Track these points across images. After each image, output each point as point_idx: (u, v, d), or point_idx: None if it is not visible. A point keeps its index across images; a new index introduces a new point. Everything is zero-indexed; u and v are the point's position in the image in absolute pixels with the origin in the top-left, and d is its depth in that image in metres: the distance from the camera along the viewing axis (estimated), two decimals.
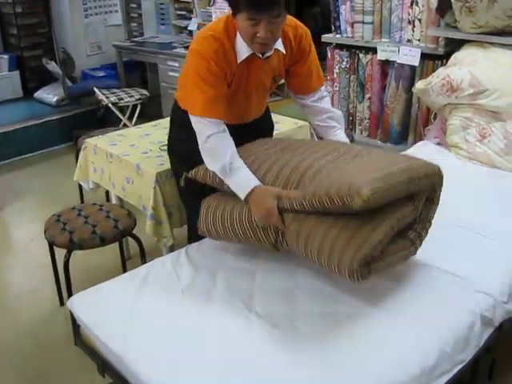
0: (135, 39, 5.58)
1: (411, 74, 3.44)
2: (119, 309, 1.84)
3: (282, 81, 2.32)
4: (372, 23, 3.52)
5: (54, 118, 5.14)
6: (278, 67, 2.18)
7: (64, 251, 2.58)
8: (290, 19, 2.08)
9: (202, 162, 2.09)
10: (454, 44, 3.19)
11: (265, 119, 2.46)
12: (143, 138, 3.02)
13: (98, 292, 1.96)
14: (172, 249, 2.61)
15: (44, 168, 4.74)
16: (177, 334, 1.72)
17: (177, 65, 4.72)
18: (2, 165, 4.74)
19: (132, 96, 4.84)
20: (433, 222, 1.94)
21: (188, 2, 5.13)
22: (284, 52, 2.11)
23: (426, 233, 1.92)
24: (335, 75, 3.80)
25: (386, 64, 3.57)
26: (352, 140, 3.33)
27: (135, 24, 5.85)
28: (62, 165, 4.61)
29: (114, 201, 3.05)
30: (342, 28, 3.69)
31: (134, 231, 2.69)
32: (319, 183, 1.77)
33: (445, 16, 3.18)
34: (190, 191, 2.32)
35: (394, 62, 3.48)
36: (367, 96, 3.71)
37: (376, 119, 3.73)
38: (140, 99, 4.86)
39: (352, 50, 3.69)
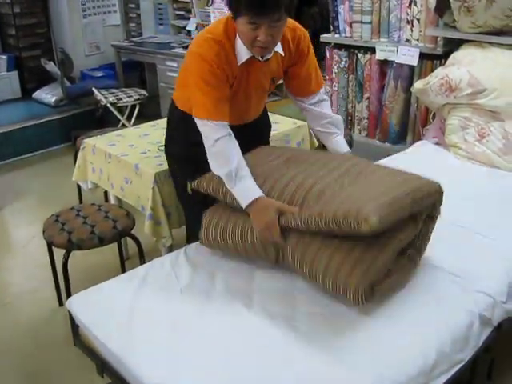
0: (134, 39, 5.58)
1: (410, 74, 3.44)
2: (118, 309, 1.84)
3: (281, 81, 2.32)
4: (370, 23, 3.52)
5: (53, 118, 5.14)
6: (277, 69, 2.17)
7: (63, 251, 2.58)
8: (289, 21, 2.07)
9: (198, 162, 2.08)
10: (453, 44, 3.19)
11: (263, 119, 2.46)
12: (142, 139, 3.02)
13: (96, 292, 1.96)
14: (171, 249, 2.61)
15: (43, 168, 4.74)
16: (175, 334, 1.72)
17: (175, 65, 4.71)
18: (1, 165, 4.74)
19: (130, 96, 4.84)
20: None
21: (186, 2, 5.13)
22: (283, 54, 2.10)
23: (425, 248, 1.95)
24: (334, 75, 3.80)
25: (384, 64, 3.57)
26: (351, 140, 3.33)
27: (134, 24, 5.84)
28: (61, 165, 4.60)
29: (112, 201, 3.05)
30: (341, 28, 3.69)
31: (133, 231, 2.69)
32: (325, 205, 1.77)
33: (443, 16, 3.18)
34: (193, 199, 2.30)
35: (392, 61, 3.48)
36: (366, 96, 3.71)
37: (375, 119, 3.74)
38: (138, 99, 4.85)
39: (350, 49, 3.69)
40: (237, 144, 2.00)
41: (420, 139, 3.31)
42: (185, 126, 2.20)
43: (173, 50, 4.85)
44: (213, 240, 2.05)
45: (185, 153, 2.31)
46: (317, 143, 3.19)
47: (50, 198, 4.04)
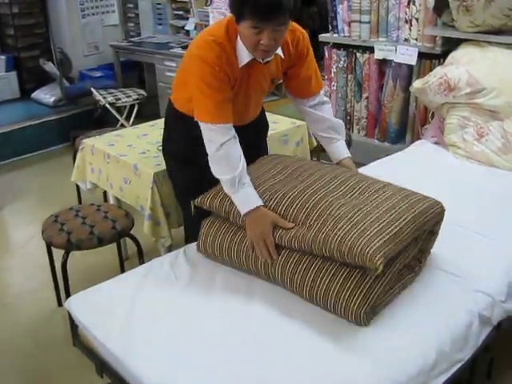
0: (132, 39, 5.58)
1: (408, 73, 3.45)
2: (117, 309, 1.84)
3: (280, 81, 2.32)
4: (369, 22, 3.52)
5: (52, 118, 5.13)
6: (276, 71, 2.16)
7: (62, 252, 2.57)
8: None
9: (195, 162, 2.07)
10: (451, 43, 3.20)
11: (260, 120, 2.45)
12: (141, 139, 3.01)
13: (96, 292, 1.96)
14: (170, 249, 2.61)
15: (42, 168, 4.73)
16: (175, 334, 1.72)
17: (174, 65, 4.71)
18: (0, 165, 4.73)
19: (129, 96, 4.84)
20: None
21: (185, 2, 5.13)
22: (282, 56, 2.08)
23: (425, 260, 1.96)
24: (332, 74, 3.80)
25: (383, 63, 3.57)
26: (349, 140, 3.33)
27: (132, 24, 5.84)
28: (60, 165, 4.60)
29: (111, 201, 3.05)
30: (340, 27, 3.69)
31: (132, 231, 2.69)
32: (323, 226, 1.76)
33: (442, 15, 3.19)
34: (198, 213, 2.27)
35: (391, 61, 3.48)
36: (365, 95, 3.71)
37: (373, 118, 3.74)
38: (137, 99, 4.85)
39: (349, 49, 3.69)
40: (240, 148, 1.99)
41: (419, 138, 3.31)
42: (183, 126, 2.20)
43: (171, 50, 4.84)
44: (210, 251, 2.07)
45: (183, 152, 2.30)
46: (315, 143, 3.19)
47: (49, 199, 4.03)
